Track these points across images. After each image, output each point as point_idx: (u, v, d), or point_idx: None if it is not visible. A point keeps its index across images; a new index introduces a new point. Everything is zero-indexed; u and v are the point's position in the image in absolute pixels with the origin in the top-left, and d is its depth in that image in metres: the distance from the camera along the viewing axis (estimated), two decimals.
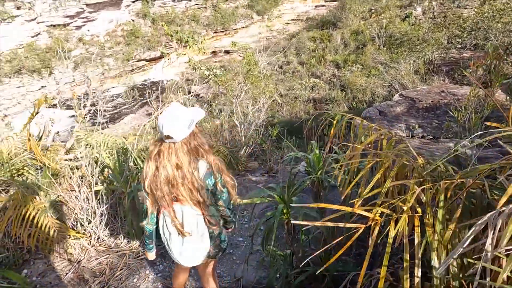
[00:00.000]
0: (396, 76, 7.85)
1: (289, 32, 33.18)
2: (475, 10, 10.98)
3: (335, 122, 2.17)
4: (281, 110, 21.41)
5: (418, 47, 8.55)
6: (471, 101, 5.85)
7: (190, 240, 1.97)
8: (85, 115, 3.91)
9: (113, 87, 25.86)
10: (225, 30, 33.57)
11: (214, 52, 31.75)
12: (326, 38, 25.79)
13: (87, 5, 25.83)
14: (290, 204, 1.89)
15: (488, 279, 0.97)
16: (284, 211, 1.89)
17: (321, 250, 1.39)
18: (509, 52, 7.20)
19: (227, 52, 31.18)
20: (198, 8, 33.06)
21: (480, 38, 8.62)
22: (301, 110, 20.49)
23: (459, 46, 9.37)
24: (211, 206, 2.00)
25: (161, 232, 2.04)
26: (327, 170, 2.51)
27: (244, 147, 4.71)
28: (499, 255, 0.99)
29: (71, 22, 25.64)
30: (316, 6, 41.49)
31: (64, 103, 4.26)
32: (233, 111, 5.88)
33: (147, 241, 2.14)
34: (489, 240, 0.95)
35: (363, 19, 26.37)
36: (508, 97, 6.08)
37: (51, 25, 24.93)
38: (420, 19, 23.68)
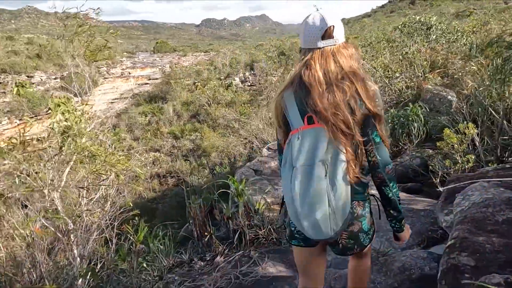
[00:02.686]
0: (253, 131, 7.24)
1: (116, 110, 30.69)
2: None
3: None
4: (122, 193, 18.40)
5: (263, 101, 8.38)
6: None
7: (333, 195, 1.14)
8: None
9: None
10: (36, 115, 28.11)
11: (22, 143, 25.66)
12: (158, 111, 24.77)
13: None
14: None
15: None
16: None
17: None
18: None
19: (39, 140, 25.75)
20: None
21: None
22: (146, 188, 18.16)
23: None
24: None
25: (285, 173, 1.22)
26: None
27: (80, 277, 2.49)
28: None
29: None
30: (139, 84, 40.93)
31: None
32: (55, 208, 3.53)
33: None
34: None
35: (190, 91, 26.90)
36: None
37: None
38: (240, 87, 25.94)
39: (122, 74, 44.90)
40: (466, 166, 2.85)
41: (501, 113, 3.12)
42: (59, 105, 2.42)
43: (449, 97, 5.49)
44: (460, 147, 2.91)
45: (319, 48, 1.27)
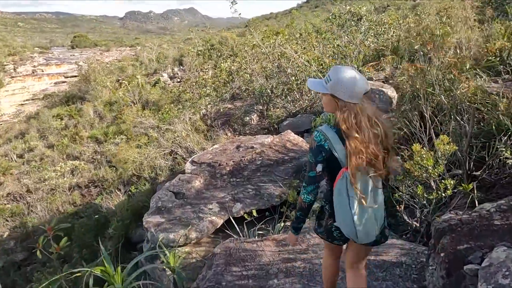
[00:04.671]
0: (176, 139, 6.04)
1: (26, 114, 26.69)
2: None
3: None
4: (34, 210, 15.94)
5: (187, 102, 7.21)
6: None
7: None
8: None
9: None
10: None
11: None
12: (76, 113, 21.83)
13: None
14: None
15: None
16: None
17: None
18: (274, 95, 6.84)
19: None
20: None
21: (239, 87, 8.25)
22: (65, 202, 15.83)
23: (222, 98, 8.70)
24: None
25: (340, 200, 1.62)
26: None
27: None
28: None
29: None
30: (55, 83, 36.45)
31: None
32: None
33: (301, 217, 1.78)
34: None
35: (113, 89, 24.29)
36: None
37: None
38: (168, 84, 24.08)
39: (33, 72, 39.56)
40: (443, 194, 2.15)
41: (470, 116, 2.49)
42: None
43: (389, 93, 4.95)
44: (435, 170, 2.19)
45: (356, 103, 1.59)
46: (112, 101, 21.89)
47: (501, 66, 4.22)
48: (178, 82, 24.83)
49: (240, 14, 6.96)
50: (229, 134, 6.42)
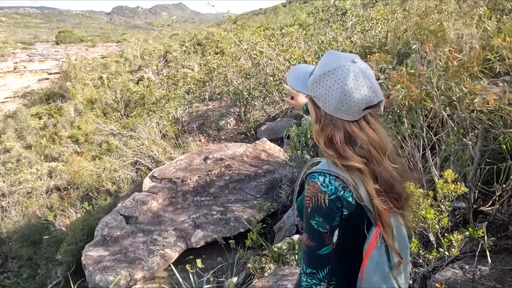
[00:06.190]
0: (140, 148, 5.36)
1: (5, 113, 25.55)
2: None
3: None
4: (9, 215, 15.13)
5: (157, 105, 6.52)
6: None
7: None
8: None
9: None
10: None
11: None
12: (56, 112, 20.87)
13: None
14: None
15: None
16: None
17: None
18: (251, 97, 6.21)
19: None
20: None
21: (219, 87, 7.60)
22: (42, 205, 15.02)
23: (200, 98, 8.05)
24: None
25: (382, 277, 0.96)
26: None
27: None
28: None
29: None
30: (39, 80, 35.16)
31: None
32: None
33: None
34: None
35: (96, 87, 23.32)
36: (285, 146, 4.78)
37: None
38: (153, 81, 23.19)
39: (15, 69, 38.16)
40: (447, 254, 1.56)
41: (477, 134, 1.91)
42: None
43: None
44: (438, 222, 1.59)
45: (357, 120, 0.93)
46: (93, 99, 20.97)
47: (502, 66, 3.65)
48: (161, 78, 23.98)
49: (213, 6, 6.33)
50: (202, 140, 5.77)
